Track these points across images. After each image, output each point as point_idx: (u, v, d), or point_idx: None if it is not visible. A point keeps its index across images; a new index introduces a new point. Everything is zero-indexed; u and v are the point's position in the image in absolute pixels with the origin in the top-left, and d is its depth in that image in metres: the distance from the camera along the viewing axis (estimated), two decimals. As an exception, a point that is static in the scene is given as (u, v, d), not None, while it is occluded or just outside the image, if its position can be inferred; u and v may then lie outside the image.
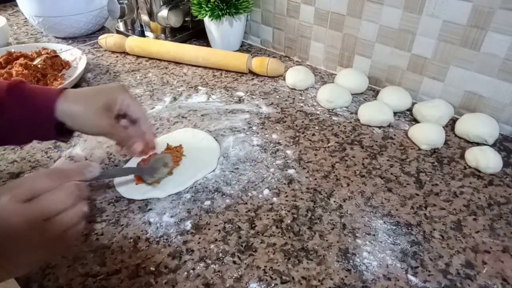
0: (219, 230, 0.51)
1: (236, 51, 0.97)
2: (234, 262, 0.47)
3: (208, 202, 0.55)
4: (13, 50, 0.84)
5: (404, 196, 0.56)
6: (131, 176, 0.58)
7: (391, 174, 0.60)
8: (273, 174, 0.60)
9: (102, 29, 1.11)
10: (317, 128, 0.70)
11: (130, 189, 0.56)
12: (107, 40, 0.95)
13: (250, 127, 0.70)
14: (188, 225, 0.51)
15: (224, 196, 0.56)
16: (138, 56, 0.95)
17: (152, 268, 0.46)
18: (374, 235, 0.50)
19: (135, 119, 0.54)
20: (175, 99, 0.79)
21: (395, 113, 0.73)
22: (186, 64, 0.92)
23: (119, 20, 1.01)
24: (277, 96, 0.80)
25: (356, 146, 0.66)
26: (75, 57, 0.88)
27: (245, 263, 0.47)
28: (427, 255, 0.48)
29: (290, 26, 0.91)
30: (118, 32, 1.05)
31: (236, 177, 0.59)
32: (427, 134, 0.65)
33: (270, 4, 0.92)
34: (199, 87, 0.83)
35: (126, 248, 0.48)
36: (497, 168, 0.60)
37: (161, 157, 0.59)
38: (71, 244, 0.46)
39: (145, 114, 0.55)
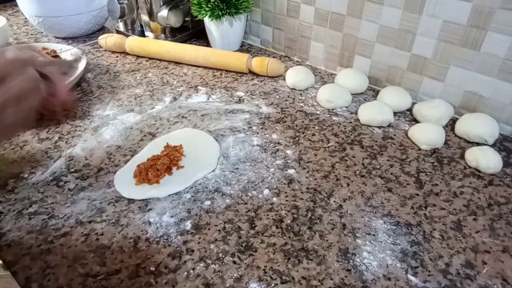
0: (219, 230, 0.51)
1: (236, 51, 0.97)
2: (234, 262, 0.47)
3: (208, 202, 0.55)
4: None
5: (404, 196, 0.56)
6: (131, 176, 0.58)
7: (391, 174, 0.60)
8: (273, 174, 0.60)
9: (102, 29, 1.11)
10: (317, 128, 0.70)
11: (130, 189, 0.56)
12: (107, 40, 0.95)
13: (250, 127, 0.70)
14: (188, 225, 0.51)
15: (224, 196, 0.56)
16: (138, 56, 0.95)
17: (152, 268, 0.46)
18: (374, 235, 0.50)
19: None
20: (175, 99, 0.79)
21: (395, 113, 0.73)
22: (186, 64, 0.92)
23: (119, 20, 1.01)
24: (277, 96, 0.80)
25: (356, 146, 0.66)
26: (75, 57, 0.88)
27: (245, 263, 0.47)
28: (427, 255, 0.48)
29: (290, 26, 0.91)
30: (118, 32, 1.05)
31: (236, 177, 0.59)
32: (427, 134, 0.65)
33: (270, 4, 0.92)
34: (199, 87, 0.83)
35: (126, 248, 0.48)
36: (497, 168, 0.60)
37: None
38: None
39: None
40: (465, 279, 0.45)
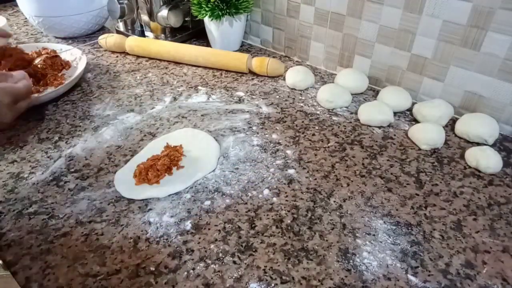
0: (219, 230, 0.51)
1: (236, 51, 0.97)
2: (234, 262, 0.47)
3: (208, 202, 0.55)
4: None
5: (404, 196, 0.56)
6: (131, 176, 0.58)
7: (391, 174, 0.60)
8: (273, 174, 0.60)
9: (102, 29, 1.11)
10: (317, 128, 0.70)
11: (130, 189, 0.56)
12: (107, 40, 0.95)
13: (250, 127, 0.70)
14: (188, 225, 0.51)
15: (224, 196, 0.56)
16: (138, 56, 0.95)
17: (152, 268, 0.46)
18: (374, 235, 0.50)
19: None
20: (175, 99, 0.79)
21: (395, 113, 0.73)
22: (186, 64, 0.92)
23: (119, 20, 1.01)
24: (277, 96, 0.80)
25: (356, 146, 0.66)
26: (75, 57, 0.88)
27: (245, 263, 0.47)
28: (427, 255, 0.48)
29: (290, 26, 0.91)
30: (118, 32, 1.05)
31: (236, 177, 0.59)
32: (427, 134, 0.65)
33: (270, 4, 0.92)
34: (199, 87, 0.83)
35: (126, 248, 0.48)
36: (497, 168, 0.60)
37: None
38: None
39: None
40: (465, 279, 0.45)
